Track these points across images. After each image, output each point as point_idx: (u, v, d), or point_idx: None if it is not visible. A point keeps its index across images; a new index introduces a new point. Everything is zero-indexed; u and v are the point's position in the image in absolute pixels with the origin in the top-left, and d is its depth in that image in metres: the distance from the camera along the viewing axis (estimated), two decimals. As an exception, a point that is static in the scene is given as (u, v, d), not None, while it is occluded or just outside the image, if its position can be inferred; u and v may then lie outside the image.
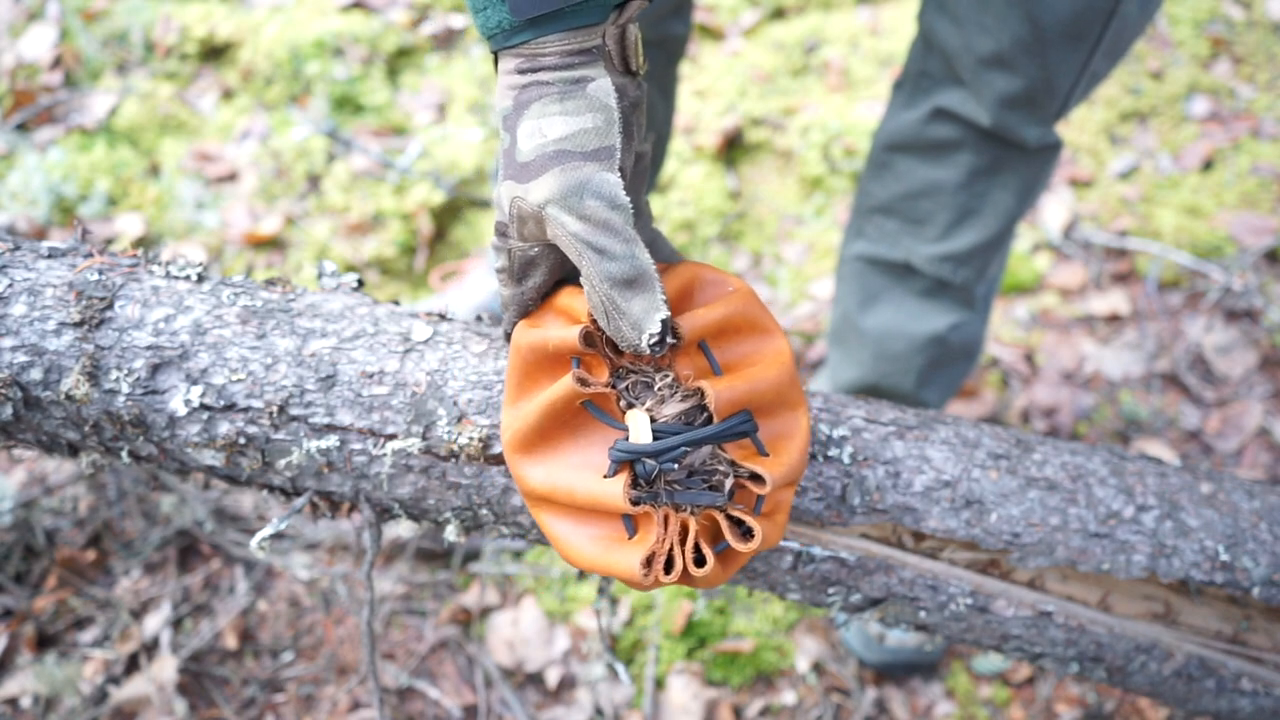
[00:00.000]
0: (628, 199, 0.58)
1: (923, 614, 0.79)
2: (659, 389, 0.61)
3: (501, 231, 0.63)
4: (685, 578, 0.59)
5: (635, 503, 0.59)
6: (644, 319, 0.56)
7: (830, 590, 0.78)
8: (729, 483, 0.61)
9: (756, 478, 0.60)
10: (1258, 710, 0.84)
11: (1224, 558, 0.79)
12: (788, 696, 1.27)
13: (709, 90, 2.10)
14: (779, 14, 2.33)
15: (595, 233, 0.57)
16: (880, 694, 1.28)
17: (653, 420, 0.60)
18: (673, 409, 0.60)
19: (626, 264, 0.57)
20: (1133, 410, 1.57)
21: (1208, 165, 1.94)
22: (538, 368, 0.62)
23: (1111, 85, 2.08)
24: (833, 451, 0.75)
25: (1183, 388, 1.62)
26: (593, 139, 0.58)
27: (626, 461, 0.59)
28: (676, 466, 0.59)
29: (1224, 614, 0.82)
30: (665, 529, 0.59)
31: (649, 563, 0.57)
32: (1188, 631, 0.81)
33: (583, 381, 0.59)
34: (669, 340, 0.57)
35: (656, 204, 1.87)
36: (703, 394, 0.60)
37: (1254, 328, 1.68)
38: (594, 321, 0.60)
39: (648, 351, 0.57)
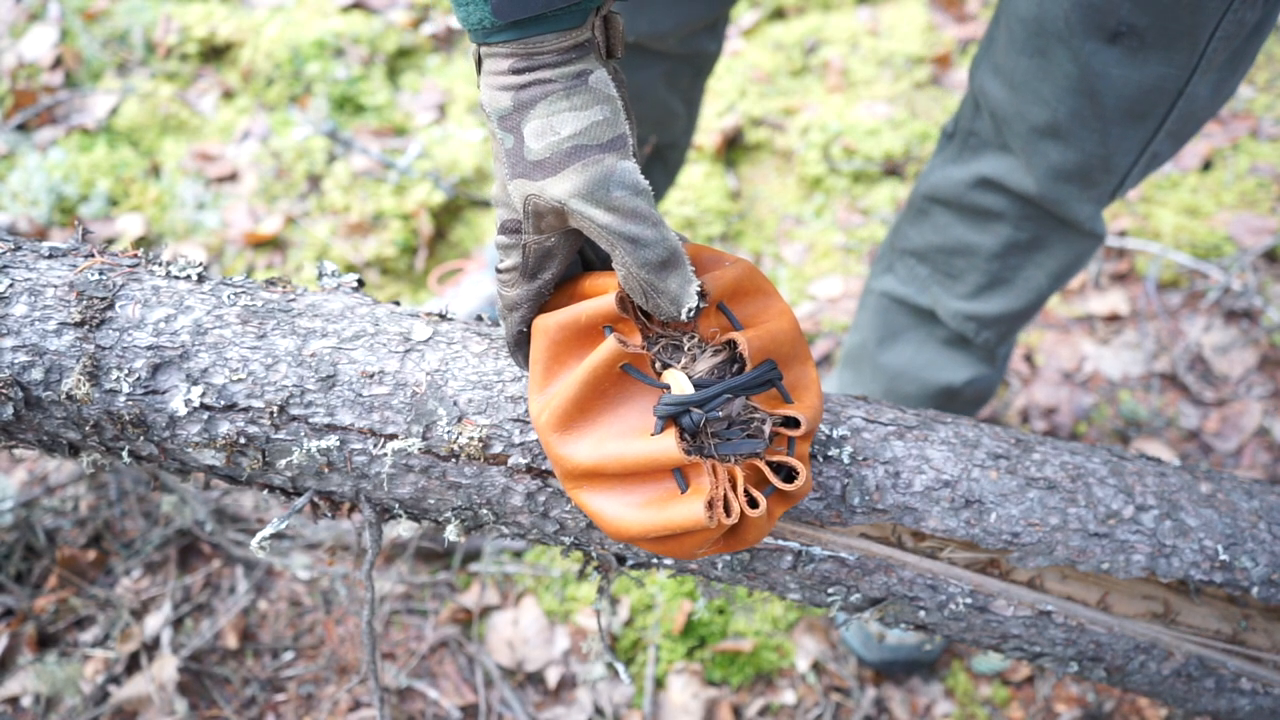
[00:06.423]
0: (647, 182, 0.60)
1: (922, 614, 0.79)
2: (689, 349, 0.64)
3: (513, 229, 0.63)
4: (742, 520, 0.61)
5: (687, 453, 0.61)
6: (681, 294, 0.60)
7: (830, 590, 0.78)
8: (767, 428, 0.64)
9: (790, 422, 0.64)
10: (1257, 709, 0.84)
11: (1223, 557, 0.79)
12: (787, 696, 1.27)
13: (709, 90, 2.10)
14: (779, 14, 2.33)
15: (626, 222, 0.58)
16: (880, 693, 1.28)
17: (689, 377, 0.63)
18: (704, 365, 0.64)
19: (660, 247, 0.59)
20: (1132, 410, 1.57)
21: (1207, 165, 1.94)
22: (566, 348, 0.64)
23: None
24: (833, 451, 0.75)
25: (1182, 388, 1.62)
26: (605, 130, 0.59)
27: (671, 417, 0.61)
28: (720, 415, 0.62)
29: (1223, 613, 0.82)
30: (716, 477, 0.61)
31: (712, 506, 0.60)
32: (1187, 631, 0.81)
33: (623, 342, 0.61)
34: (701, 305, 0.61)
35: (657, 204, 1.87)
36: (733, 345, 0.64)
37: (1253, 328, 1.68)
38: (624, 293, 0.62)
39: (684, 319, 0.60)
